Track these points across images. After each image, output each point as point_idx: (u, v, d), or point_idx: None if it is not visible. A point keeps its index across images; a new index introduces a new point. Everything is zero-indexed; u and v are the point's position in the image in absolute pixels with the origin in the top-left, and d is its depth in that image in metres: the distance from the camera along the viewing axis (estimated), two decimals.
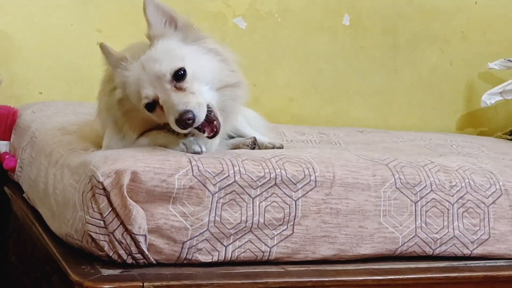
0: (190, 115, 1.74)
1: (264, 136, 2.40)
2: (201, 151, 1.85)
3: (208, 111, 1.79)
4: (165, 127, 1.88)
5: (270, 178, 1.82)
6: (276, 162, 1.87)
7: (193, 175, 1.74)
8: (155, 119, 1.86)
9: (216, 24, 3.45)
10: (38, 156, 2.26)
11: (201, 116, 1.77)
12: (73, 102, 3.03)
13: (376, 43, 3.69)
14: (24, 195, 2.35)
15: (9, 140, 2.79)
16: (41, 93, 3.20)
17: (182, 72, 1.81)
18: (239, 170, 1.80)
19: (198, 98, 1.80)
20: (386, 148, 2.57)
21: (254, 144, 2.20)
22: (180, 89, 1.80)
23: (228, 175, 1.78)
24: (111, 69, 1.92)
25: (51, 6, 3.18)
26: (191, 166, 1.75)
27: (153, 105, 1.82)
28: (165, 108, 1.79)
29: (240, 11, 3.51)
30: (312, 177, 1.86)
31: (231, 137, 2.34)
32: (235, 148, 2.24)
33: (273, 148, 2.19)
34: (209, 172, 1.76)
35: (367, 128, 3.22)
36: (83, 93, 3.23)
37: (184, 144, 1.85)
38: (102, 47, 1.91)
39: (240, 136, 2.36)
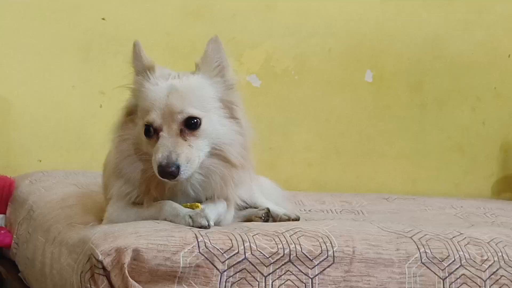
0: (173, 170, 1.80)
1: (279, 206, 2.42)
2: (209, 225, 1.86)
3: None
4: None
5: (284, 254, 1.82)
6: (290, 236, 1.87)
7: (199, 252, 1.75)
8: (143, 144, 1.91)
9: None
10: (35, 232, 2.29)
11: (184, 175, 1.83)
12: (74, 171, 3.09)
13: (401, 101, 3.73)
14: (19, 274, 2.37)
15: (4, 213, 2.82)
16: (40, 161, 3.25)
17: (196, 122, 1.87)
18: (250, 246, 1.80)
19: (193, 154, 1.85)
20: (413, 218, 2.56)
21: (268, 216, 2.22)
22: (183, 136, 1.85)
23: (238, 252, 1.78)
24: (132, 80, 1.97)
25: (51, 68, 3.27)
26: (198, 242, 1.76)
27: (151, 132, 1.88)
28: (158, 144, 1.85)
29: (254, 69, 3.58)
30: (330, 253, 1.86)
31: (243, 208, 2.36)
32: (247, 221, 2.24)
33: (288, 220, 2.20)
34: (217, 248, 1.77)
35: (393, 195, 3.22)
36: (85, 161, 3.28)
37: (190, 217, 1.87)
38: (136, 45, 1.96)
39: (252, 206, 2.37)
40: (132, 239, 1.73)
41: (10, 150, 3.20)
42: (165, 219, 1.89)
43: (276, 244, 1.83)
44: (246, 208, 2.36)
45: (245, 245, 1.80)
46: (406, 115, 3.74)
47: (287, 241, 1.85)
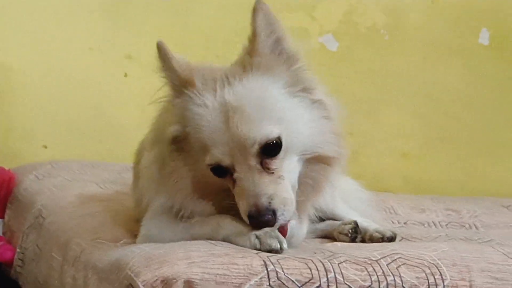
0: (270, 217, 1.88)
1: (366, 217, 2.46)
2: (281, 249, 1.90)
3: None
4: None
5: None
6: (387, 265, 1.90)
7: (269, 285, 1.78)
8: (216, 183, 1.97)
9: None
10: (47, 247, 2.34)
11: (283, 219, 1.90)
12: (92, 162, 3.13)
13: None
14: None
15: (2, 217, 2.89)
16: (45, 147, 3.33)
17: (276, 144, 1.90)
18: (335, 278, 1.83)
19: (287, 188, 1.90)
20: None
21: (356, 233, 2.26)
22: (267, 169, 1.90)
23: (320, 285, 1.81)
24: (169, 92, 1.99)
25: (63, 25, 3.31)
26: (267, 271, 1.80)
27: (223, 172, 1.93)
28: (238, 188, 1.91)
29: (330, 26, 3.60)
30: None
31: (320, 219, 2.40)
32: (324, 237, 2.30)
33: (382, 239, 2.24)
34: (292, 281, 1.80)
35: None
36: (106, 148, 3.30)
37: (257, 237, 1.91)
38: (161, 48, 1.94)
39: (331, 218, 2.42)
40: (183, 266, 1.78)
41: (8, 133, 3.27)
42: (223, 240, 1.95)
43: (370, 275, 1.87)
44: (323, 220, 2.42)
45: (328, 276, 1.83)
46: None
47: (383, 272, 1.88)
